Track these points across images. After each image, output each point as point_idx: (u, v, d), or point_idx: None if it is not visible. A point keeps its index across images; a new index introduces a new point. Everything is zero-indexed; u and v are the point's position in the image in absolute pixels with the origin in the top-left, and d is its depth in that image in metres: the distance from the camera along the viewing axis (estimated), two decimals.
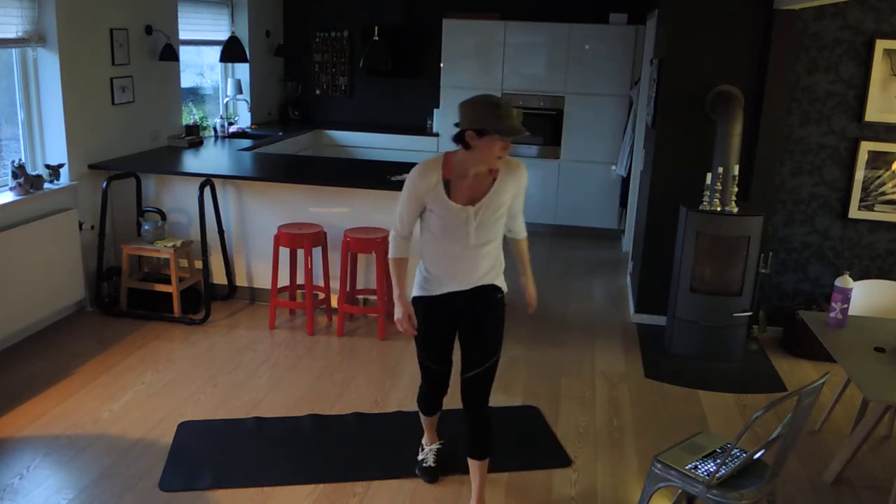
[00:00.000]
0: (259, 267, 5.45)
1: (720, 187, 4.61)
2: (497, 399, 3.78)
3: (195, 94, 7.20)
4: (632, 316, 5.49)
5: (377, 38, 6.83)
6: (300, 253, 5.19)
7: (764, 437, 3.65)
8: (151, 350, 4.66)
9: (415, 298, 3.07)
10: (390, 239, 3.05)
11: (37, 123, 4.92)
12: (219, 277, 5.48)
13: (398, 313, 3.02)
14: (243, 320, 5.19)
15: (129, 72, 5.53)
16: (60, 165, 4.90)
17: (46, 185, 4.83)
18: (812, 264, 5.13)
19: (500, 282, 3.07)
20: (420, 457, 3.47)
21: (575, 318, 5.45)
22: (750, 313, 4.76)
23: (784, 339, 5.08)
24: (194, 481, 3.32)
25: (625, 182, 7.28)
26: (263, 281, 5.44)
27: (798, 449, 3.75)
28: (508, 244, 3.17)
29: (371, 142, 7.83)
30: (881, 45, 4.72)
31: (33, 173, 4.77)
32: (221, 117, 7.08)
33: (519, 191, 2.97)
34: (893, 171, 4.86)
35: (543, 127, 7.47)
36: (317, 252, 5.20)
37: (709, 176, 4.65)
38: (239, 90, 7.44)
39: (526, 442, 3.70)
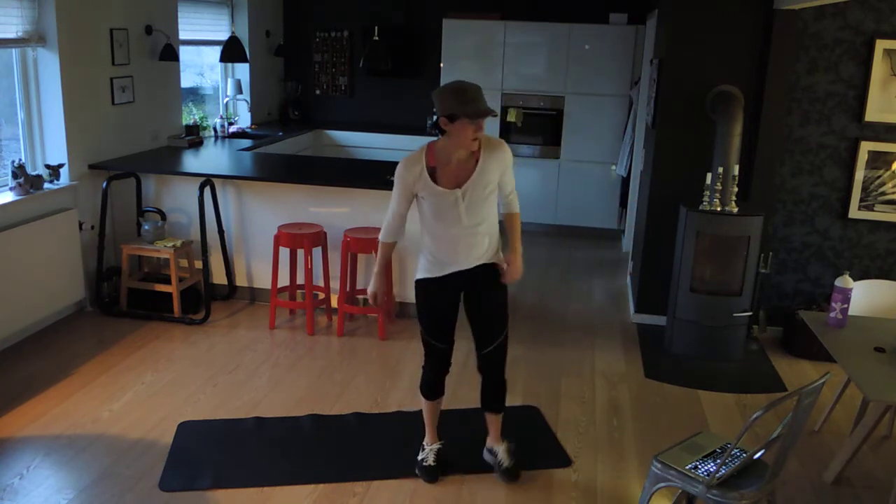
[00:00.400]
0: (259, 267, 5.45)
1: (720, 187, 4.61)
2: None
3: (195, 94, 7.20)
4: (632, 316, 5.49)
5: (377, 39, 6.83)
6: (300, 253, 5.19)
7: (764, 437, 3.65)
8: (151, 350, 4.66)
9: (420, 280, 3.23)
10: (382, 226, 3.24)
11: (37, 123, 4.92)
12: (219, 277, 5.48)
13: (371, 287, 3.32)
14: (243, 320, 5.19)
15: (129, 72, 5.53)
16: (60, 165, 4.90)
17: (46, 185, 4.83)
18: (812, 264, 5.13)
19: (500, 259, 3.22)
20: (420, 456, 3.47)
21: (575, 318, 5.45)
22: (750, 313, 4.76)
23: (784, 339, 5.08)
24: (194, 481, 3.32)
25: (625, 182, 7.28)
26: (263, 281, 5.44)
27: (798, 449, 3.75)
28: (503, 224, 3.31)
29: (371, 142, 7.83)
30: (881, 45, 4.72)
31: (33, 173, 4.77)
32: (221, 117, 7.08)
33: (505, 167, 3.12)
34: (893, 171, 4.86)
35: (543, 127, 7.48)
36: (317, 252, 5.20)
37: (709, 176, 4.65)
38: (239, 90, 7.44)
39: (526, 442, 3.69)
